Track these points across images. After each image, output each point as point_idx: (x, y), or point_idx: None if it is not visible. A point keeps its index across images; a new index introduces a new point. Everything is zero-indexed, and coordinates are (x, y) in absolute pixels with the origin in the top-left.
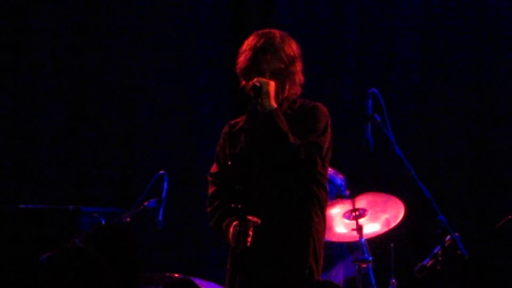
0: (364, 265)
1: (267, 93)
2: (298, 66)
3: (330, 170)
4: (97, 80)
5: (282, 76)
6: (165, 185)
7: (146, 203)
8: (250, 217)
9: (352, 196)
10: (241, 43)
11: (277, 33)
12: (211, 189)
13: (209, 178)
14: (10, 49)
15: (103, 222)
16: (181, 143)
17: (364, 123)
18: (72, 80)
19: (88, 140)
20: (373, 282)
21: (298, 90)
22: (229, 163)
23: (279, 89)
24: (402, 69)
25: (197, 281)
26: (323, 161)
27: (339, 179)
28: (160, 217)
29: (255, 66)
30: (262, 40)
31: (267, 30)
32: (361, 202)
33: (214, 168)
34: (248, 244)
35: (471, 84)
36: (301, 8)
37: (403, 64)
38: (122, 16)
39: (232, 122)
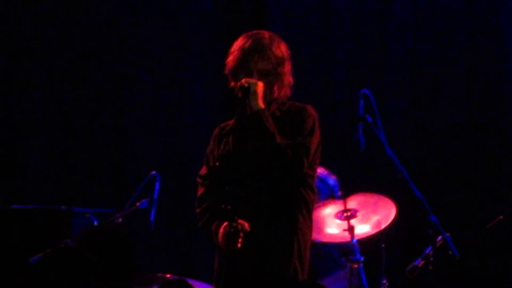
0: (356, 266)
1: (255, 93)
2: (287, 68)
3: (323, 171)
4: (89, 80)
5: (270, 77)
6: (157, 185)
7: (138, 204)
8: (241, 221)
9: (344, 197)
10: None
11: (266, 34)
12: (200, 191)
13: (198, 180)
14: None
15: (96, 223)
16: (173, 144)
17: (356, 124)
18: (64, 82)
19: (80, 141)
20: (365, 282)
21: (287, 91)
22: (217, 164)
23: (267, 90)
24: (393, 70)
25: (190, 281)
26: (311, 162)
27: (332, 179)
28: (152, 217)
29: (243, 66)
30: (250, 41)
31: (256, 31)
32: (353, 202)
33: (203, 170)
34: (239, 245)
35: (462, 84)
36: (293, 10)
37: (395, 65)
38: (113, 17)
39: (223, 124)
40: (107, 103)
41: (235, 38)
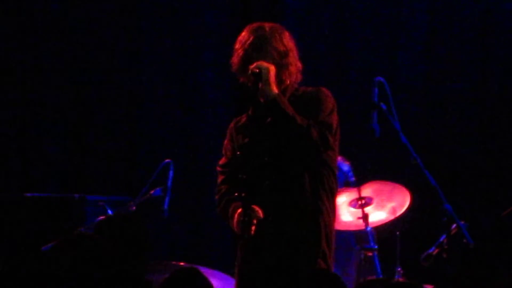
0: (370, 254)
1: (267, 79)
2: (292, 58)
3: (338, 157)
4: (103, 70)
5: (276, 68)
6: (171, 173)
7: (151, 192)
8: (255, 208)
9: (358, 185)
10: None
11: (267, 28)
12: (219, 178)
13: (218, 169)
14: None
15: (109, 211)
16: (187, 132)
17: (370, 112)
18: (78, 71)
19: (94, 129)
20: (379, 270)
21: (298, 77)
22: (238, 153)
23: (277, 79)
24: (408, 58)
25: (203, 269)
26: (333, 143)
27: (346, 165)
28: (165, 205)
29: (247, 64)
30: (251, 38)
31: (256, 25)
32: (367, 190)
33: (222, 160)
34: (252, 233)
35: (477, 71)
36: (308, 4)
37: (409, 53)
38: (127, 10)
39: (238, 118)
40: (121, 92)
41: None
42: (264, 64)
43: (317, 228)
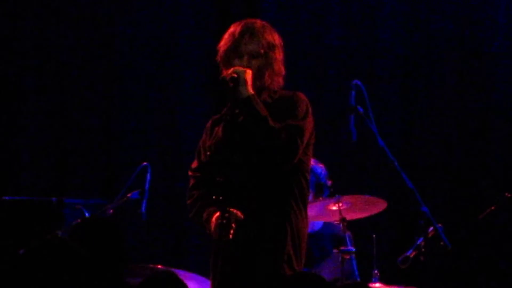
0: (348, 256)
1: (244, 81)
2: (278, 55)
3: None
4: (80, 73)
5: (260, 60)
6: (148, 176)
7: (129, 195)
8: (233, 210)
9: (333, 195)
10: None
11: (258, 21)
12: (191, 183)
13: (190, 173)
14: None
15: (87, 214)
16: (165, 134)
17: (347, 115)
18: (56, 74)
19: (71, 131)
20: (356, 273)
21: (279, 81)
22: (208, 153)
23: (258, 75)
24: (385, 60)
25: (180, 272)
26: (305, 147)
27: (319, 168)
28: (143, 209)
29: (234, 49)
30: (241, 25)
31: (249, 19)
32: (344, 203)
33: (194, 164)
34: (231, 236)
35: (455, 74)
36: (285, 1)
37: (387, 55)
38: (105, 9)
39: (215, 117)
40: (98, 95)
41: (226, 27)
42: (241, 68)
43: (282, 231)
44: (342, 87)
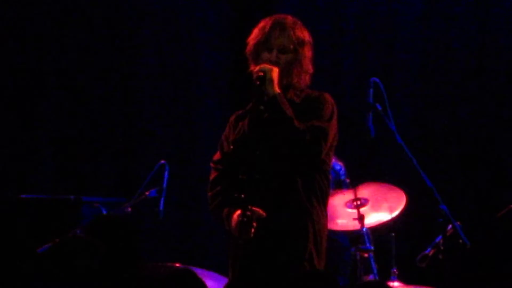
0: (366, 255)
1: (271, 79)
2: (308, 52)
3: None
4: (98, 70)
5: (289, 55)
6: (166, 174)
7: (147, 193)
8: (255, 209)
9: (354, 186)
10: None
11: (289, 16)
12: (212, 175)
13: (212, 165)
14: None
15: (104, 212)
16: (182, 133)
17: (366, 112)
18: (72, 72)
19: (89, 130)
20: (375, 271)
21: (307, 79)
22: (231, 147)
23: (285, 72)
24: (403, 58)
25: (198, 270)
26: (328, 148)
27: (339, 165)
28: (161, 206)
29: (264, 41)
30: (272, 19)
31: (281, 14)
32: (363, 192)
33: (217, 156)
34: (252, 235)
35: (473, 71)
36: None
37: (405, 53)
38: (123, 8)
39: (239, 112)
40: (116, 93)
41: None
42: (268, 66)
43: (304, 229)
44: (361, 85)
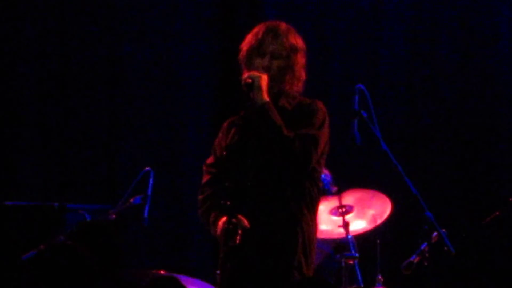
0: (351, 262)
1: (259, 87)
2: (300, 59)
3: None
4: (82, 75)
5: (282, 61)
6: (151, 181)
7: (131, 200)
8: (240, 217)
9: (339, 192)
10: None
11: (283, 23)
12: (205, 178)
13: (204, 168)
14: None
15: (88, 219)
16: (167, 140)
17: (351, 119)
18: (56, 77)
19: (73, 136)
20: (360, 278)
21: (299, 86)
22: (224, 153)
23: (277, 79)
24: (389, 65)
25: (183, 278)
26: (319, 156)
27: (323, 174)
28: (145, 213)
29: (257, 47)
30: (266, 25)
31: (273, 21)
32: (348, 198)
33: (210, 159)
34: (237, 242)
35: (459, 78)
36: (288, 3)
37: (391, 60)
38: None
39: (232, 118)
40: (100, 100)
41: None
42: (256, 73)
43: (293, 238)
44: (346, 92)
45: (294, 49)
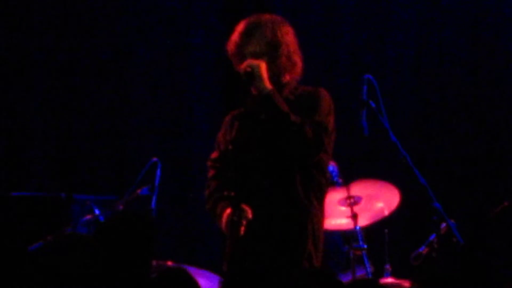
0: (359, 253)
1: (260, 76)
2: (283, 51)
3: None
4: (90, 67)
5: (264, 58)
6: (158, 172)
7: (139, 191)
8: (244, 207)
9: (347, 183)
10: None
11: (263, 18)
12: (210, 173)
13: (209, 163)
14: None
15: (96, 210)
16: (174, 130)
17: (359, 110)
18: (62, 71)
19: (80, 128)
20: (368, 269)
21: (296, 73)
22: (230, 147)
23: (272, 73)
24: (397, 55)
25: (191, 269)
26: (327, 144)
27: (331, 165)
28: (153, 204)
29: (237, 51)
30: (244, 24)
31: (256, 15)
32: (356, 189)
33: (214, 154)
34: (241, 233)
35: (466, 68)
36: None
37: (398, 50)
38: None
39: (234, 112)
40: (108, 90)
41: (236, 23)
42: (254, 62)
43: (304, 228)
44: (355, 82)
45: (273, 44)
